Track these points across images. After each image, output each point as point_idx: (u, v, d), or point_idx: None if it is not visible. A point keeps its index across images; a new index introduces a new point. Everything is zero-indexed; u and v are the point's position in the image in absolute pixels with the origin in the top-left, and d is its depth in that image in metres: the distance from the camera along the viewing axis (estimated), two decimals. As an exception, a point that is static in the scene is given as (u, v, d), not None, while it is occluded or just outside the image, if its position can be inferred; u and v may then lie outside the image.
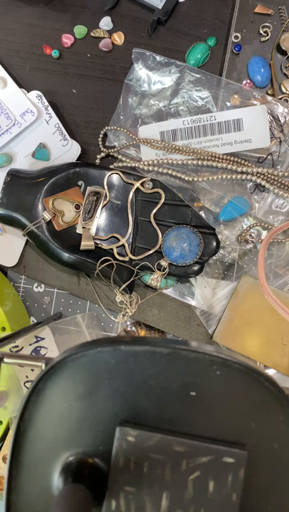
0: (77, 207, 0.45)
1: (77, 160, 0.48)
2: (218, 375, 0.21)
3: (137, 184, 0.45)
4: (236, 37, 0.47)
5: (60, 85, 0.49)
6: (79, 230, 0.45)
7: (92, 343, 0.22)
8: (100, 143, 0.49)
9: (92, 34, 0.48)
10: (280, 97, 0.47)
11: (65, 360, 0.22)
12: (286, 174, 0.46)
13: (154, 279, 0.46)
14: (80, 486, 0.20)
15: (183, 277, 0.47)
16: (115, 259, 0.45)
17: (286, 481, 0.22)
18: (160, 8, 0.46)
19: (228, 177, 0.46)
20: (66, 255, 0.44)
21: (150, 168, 0.47)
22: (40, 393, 0.22)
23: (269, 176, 0.46)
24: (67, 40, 0.49)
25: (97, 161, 0.49)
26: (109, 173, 0.45)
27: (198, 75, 0.47)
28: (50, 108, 0.46)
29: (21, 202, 0.44)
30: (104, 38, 0.49)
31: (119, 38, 0.49)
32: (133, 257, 0.45)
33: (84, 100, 0.49)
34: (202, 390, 0.22)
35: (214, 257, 0.47)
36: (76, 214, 0.45)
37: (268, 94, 0.47)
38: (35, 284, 0.50)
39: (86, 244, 0.44)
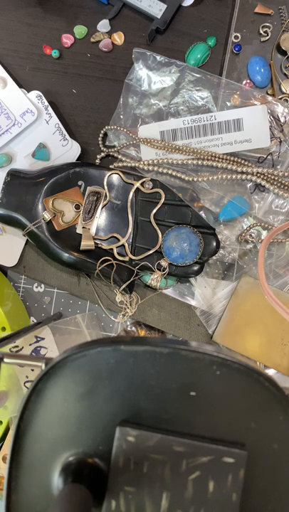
0: (77, 207, 0.45)
1: (77, 160, 0.48)
2: (218, 375, 0.21)
3: (137, 184, 0.45)
4: (236, 37, 0.47)
5: (60, 85, 0.49)
6: (79, 230, 0.45)
7: (92, 343, 0.22)
8: (99, 143, 0.49)
9: (92, 40, 0.48)
10: (280, 97, 0.47)
11: (65, 360, 0.22)
12: (286, 174, 0.46)
13: (154, 279, 0.46)
14: (80, 486, 0.20)
15: (183, 277, 0.47)
16: (115, 259, 0.45)
17: (286, 481, 0.22)
18: (159, 17, 0.46)
19: (228, 177, 0.46)
20: (66, 255, 0.44)
21: (150, 168, 0.47)
22: (40, 393, 0.22)
23: (269, 176, 0.46)
24: (67, 40, 0.49)
25: (97, 161, 0.49)
26: (109, 173, 0.45)
27: (198, 75, 0.47)
28: (50, 108, 0.46)
29: (21, 202, 0.44)
30: (104, 39, 0.49)
31: (119, 38, 0.49)
32: (133, 257, 0.45)
33: (84, 100, 0.49)
34: (202, 390, 0.22)
35: (214, 257, 0.47)
36: (76, 214, 0.45)
37: (268, 94, 0.47)
38: (35, 284, 0.50)
39: (86, 244, 0.44)
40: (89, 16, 0.49)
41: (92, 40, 0.48)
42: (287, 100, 0.47)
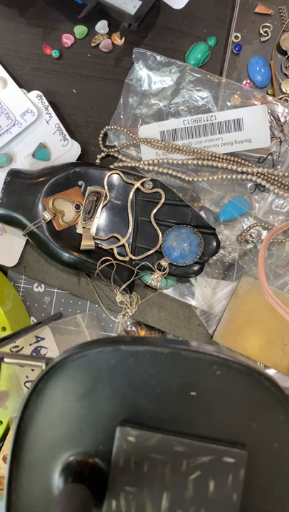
0: (78, 207, 0.45)
1: (77, 160, 0.48)
2: (219, 375, 0.21)
3: (137, 184, 0.45)
4: (236, 37, 0.47)
5: (60, 85, 0.49)
6: (79, 230, 0.45)
7: (92, 343, 0.22)
8: (100, 143, 0.49)
9: (92, 44, 0.48)
10: (280, 97, 0.47)
11: (65, 360, 0.22)
12: (286, 174, 0.46)
13: (154, 279, 0.46)
14: (81, 486, 0.20)
15: (183, 277, 0.47)
16: (115, 259, 0.45)
17: (286, 481, 0.22)
18: (132, 14, 0.45)
19: (228, 177, 0.46)
20: (66, 255, 0.44)
21: (150, 168, 0.47)
22: (41, 393, 0.22)
23: (269, 175, 0.46)
24: (67, 40, 0.49)
25: (97, 161, 0.49)
26: (110, 173, 0.45)
27: (198, 75, 0.47)
28: (50, 108, 0.46)
29: (21, 202, 0.44)
30: (103, 40, 0.48)
31: (119, 38, 0.49)
32: (133, 257, 0.45)
33: (84, 100, 0.49)
34: (202, 390, 0.22)
35: (214, 257, 0.47)
36: (76, 214, 0.45)
37: (268, 94, 0.47)
38: (35, 284, 0.50)
39: (86, 244, 0.44)
40: (89, 16, 0.49)
41: (92, 44, 0.48)
42: (287, 100, 0.47)
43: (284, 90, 0.47)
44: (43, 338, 0.47)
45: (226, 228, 0.48)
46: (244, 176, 0.46)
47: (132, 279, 0.45)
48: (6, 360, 0.27)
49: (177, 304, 0.48)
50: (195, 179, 0.46)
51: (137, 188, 0.45)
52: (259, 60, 0.47)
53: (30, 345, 0.47)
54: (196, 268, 0.45)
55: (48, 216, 0.43)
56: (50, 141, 0.47)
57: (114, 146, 0.49)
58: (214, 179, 0.46)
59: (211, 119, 0.46)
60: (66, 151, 0.47)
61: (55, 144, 0.47)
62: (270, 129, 0.46)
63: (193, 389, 0.22)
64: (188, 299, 0.48)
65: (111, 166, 0.48)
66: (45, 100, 0.46)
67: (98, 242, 0.45)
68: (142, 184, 0.45)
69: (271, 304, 0.37)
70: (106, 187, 0.45)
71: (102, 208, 0.46)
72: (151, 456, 0.21)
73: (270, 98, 0.46)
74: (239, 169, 0.46)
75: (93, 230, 0.45)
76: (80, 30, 0.48)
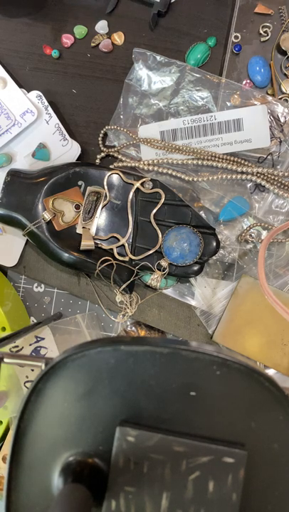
0: (77, 207, 0.45)
1: (77, 160, 0.48)
2: (218, 375, 0.21)
3: (137, 184, 0.45)
4: (236, 37, 0.47)
5: (60, 85, 0.49)
6: (79, 230, 0.45)
7: (92, 343, 0.22)
8: (99, 143, 0.49)
9: (92, 44, 0.48)
10: (280, 97, 0.47)
11: (65, 360, 0.22)
12: (286, 174, 0.46)
13: (154, 279, 0.46)
14: (80, 486, 0.20)
15: (183, 277, 0.47)
16: (115, 259, 0.45)
17: (286, 481, 0.22)
18: (159, 0, 0.46)
19: (228, 177, 0.46)
20: (66, 255, 0.44)
21: (150, 168, 0.47)
22: (40, 393, 0.22)
23: (269, 175, 0.46)
24: (67, 40, 0.49)
25: (97, 161, 0.49)
26: (109, 173, 0.45)
27: (198, 75, 0.47)
28: (50, 108, 0.46)
29: (21, 202, 0.44)
30: (103, 40, 0.49)
31: (119, 38, 0.49)
32: (133, 257, 0.45)
33: (84, 100, 0.49)
34: (202, 390, 0.22)
35: (214, 257, 0.47)
36: (76, 214, 0.45)
37: (268, 94, 0.47)
38: (35, 284, 0.50)
39: (86, 244, 0.44)
40: (89, 16, 0.49)
41: (92, 44, 0.49)
42: (287, 100, 0.47)
43: (284, 90, 0.47)
44: (43, 338, 0.47)
45: (225, 228, 0.48)
46: (244, 176, 0.46)
47: (131, 279, 0.45)
48: (5, 360, 0.27)
49: (177, 304, 0.48)
50: (195, 179, 0.46)
51: (137, 188, 0.45)
52: (259, 60, 0.47)
53: (30, 345, 0.47)
54: (195, 268, 0.45)
55: (47, 216, 0.43)
56: (50, 141, 0.47)
57: (114, 146, 0.49)
58: (214, 179, 0.46)
59: (211, 119, 0.46)
60: (66, 151, 0.47)
61: (55, 144, 0.47)
62: (270, 129, 0.46)
63: (192, 389, 0.22)
64: (188, 299, 0.48)
65: (111, 166, 0.48)
66: (44, 100, 0.46)
67: (98, 242, 0.45)
68: (142, 184, 0.45)
69: (271, 304, 0.37)
70: (106, 187, 0.45)
71: (102, 208, 0.46)
72: (150, 456, 0.21)
73: (269, 98, 0.46)
74: (239, 169, 0.46)
75: (93, 230, 0.45)
76: (80, 30, 0.48)
